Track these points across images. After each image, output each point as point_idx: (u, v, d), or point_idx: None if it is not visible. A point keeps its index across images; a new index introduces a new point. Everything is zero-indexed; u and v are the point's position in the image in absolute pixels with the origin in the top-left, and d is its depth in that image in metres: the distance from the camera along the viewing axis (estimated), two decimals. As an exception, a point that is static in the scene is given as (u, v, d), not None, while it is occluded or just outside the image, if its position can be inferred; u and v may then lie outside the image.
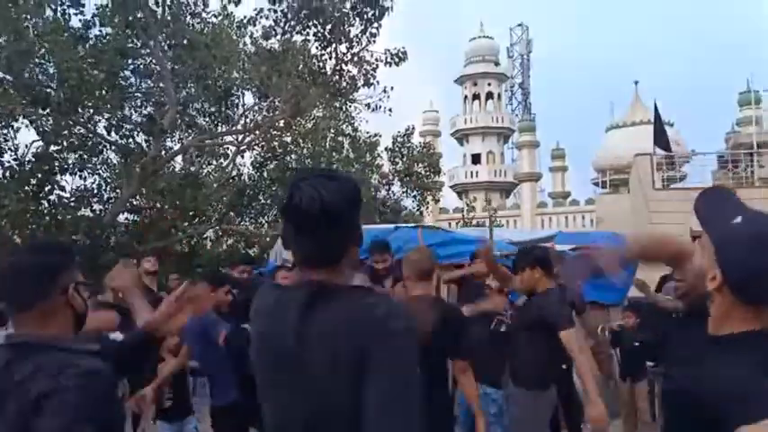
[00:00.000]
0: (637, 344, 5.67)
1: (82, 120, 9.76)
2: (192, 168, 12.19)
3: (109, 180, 11.41)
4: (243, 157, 13.05)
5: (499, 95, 43.66)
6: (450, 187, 40.47)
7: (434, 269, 3.36)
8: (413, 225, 8.56)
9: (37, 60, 9.16)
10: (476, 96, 43.03)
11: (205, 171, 13.53)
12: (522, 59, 48.60)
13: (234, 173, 13.73)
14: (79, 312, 1.56)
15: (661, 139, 14.81)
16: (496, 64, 43.49)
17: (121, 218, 10.90)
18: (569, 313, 3.66)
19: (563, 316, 3.53)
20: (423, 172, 17.45)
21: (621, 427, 5.92)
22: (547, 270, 3.76)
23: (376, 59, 11.59)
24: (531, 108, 48.05)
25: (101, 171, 11.37)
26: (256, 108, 12.61)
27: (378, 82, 11.67)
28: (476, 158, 42.34)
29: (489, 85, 42.90)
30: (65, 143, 9.21)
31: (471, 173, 41.52)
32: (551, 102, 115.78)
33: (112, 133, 10.20)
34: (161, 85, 11.21)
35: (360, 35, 11.27)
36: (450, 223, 32.77)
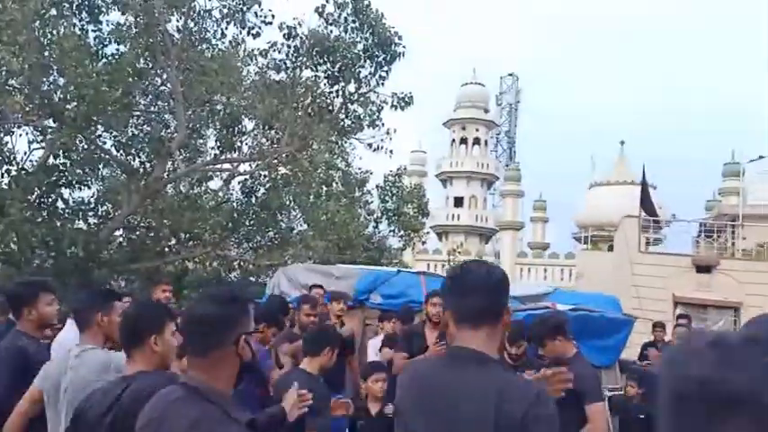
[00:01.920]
0: (642, 416, 5.67)
1: (92, 136, 9.79)
2: (193, 191, 12.20)
3: (106, 195, 11.37)
4: (239, 184, 13.10)
5: (486, 142, 44.51)
6: (431, 227, 40.79)
7: None
8: (415, 271, 8.67)
9: (53, 74, 9.20)
10: (463, 140, 43.79)
11: (197, 193, 13.53)
12: (511, 108, 49.80)
13: (225, 197, 13.76)
14: (245, 360, 1.64)
15: (647, 202, 15.27)
16: (485, 111, 44.46)
17: (117, 234, 10.83)
18: (599, 385, 3.60)
19: (596, 387, 3.46)
20: (411, 213, 17.62)
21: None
22: (568, 336, 3.86)
23: (382, 102, 11.88)
24: (516, 156, 49.02)
25: (99, 186, 11.33)
26: (259, 136, 12.74)
27: (383, 123, 11.95)
28: (458, 201, 42.86)
29: (477, 130, 43.76)
30: (73, 157, 9.20)
31: (453, 215, 41.95)
32: (536, 153, 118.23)
33: (120, 151, 10.22)
34: (170, 104, 11.30)
35: (369, 76, 11.57)
36: (428, 264, 32.95)
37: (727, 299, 13.93)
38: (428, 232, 20.08)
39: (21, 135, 9.73)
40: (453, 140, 43.92)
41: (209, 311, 1.62)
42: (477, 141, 43.85)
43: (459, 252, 22.26)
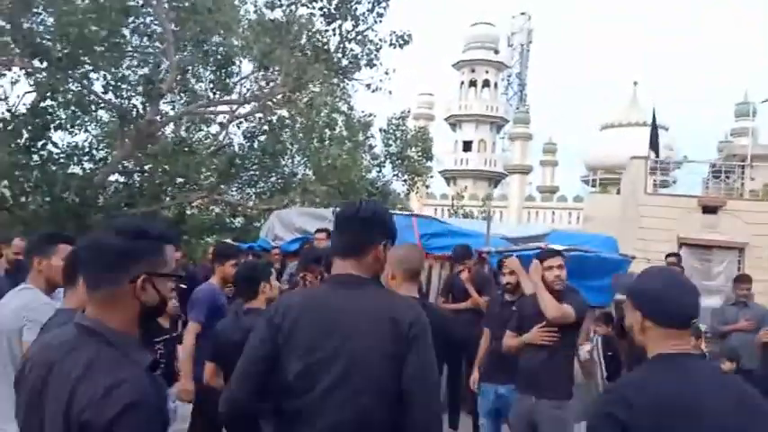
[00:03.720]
0: (610, 353, 5.74)
1: (78, 76, 9.55)
2: (185, 135, 12.02)
3: (101, 139, 11.23)
4: (239, 127, 12.89)
5: (496, 84, 43.58)
6: (439, 173, 40.49)
7: (422, 269, 3.35)
8: (407, 213, 8.54)
9: (37, 11, 8.90)
10: (472, 83, 42.89)
11: (195, 138, 13.33)
12: (522, 49, 48.51)
13: (225, 142, 13.57)
14: (148, 305, 1.49)
15: (656, 144, 14.92)
16: (496, 52, 43.32)
17: (112, 179, 10.74)
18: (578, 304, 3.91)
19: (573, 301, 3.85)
20: (415, 156, 17.38)
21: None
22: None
23: (380, 40, 11.48)
24: (527, 99, 48.07)
25: (92, 129, 11.18)
26: (254, 78, 12.43)
27: (381, 63, 11.58)
28: (467, 146, 42.36)
29: (487, 72, 42.77)
30: (60, 99, 9.00)
31: (462, 160, 41.54)
32: (547, 95, 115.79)
33: (109, 93, 10.00)
34: (160, 45, 10.99)
35: (366, 14, 11.14)
36: (436, 210, 32.86)
37: (732, 239, 13.75)
38: (432, 176, 19.84)
39: (13, 79, 9.50)
40: (462, 83, 43.01)
41: (106, 242, 1.47)
42: (486, 84, 42.92)
43: (464, 196, 22.14)
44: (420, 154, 17.42)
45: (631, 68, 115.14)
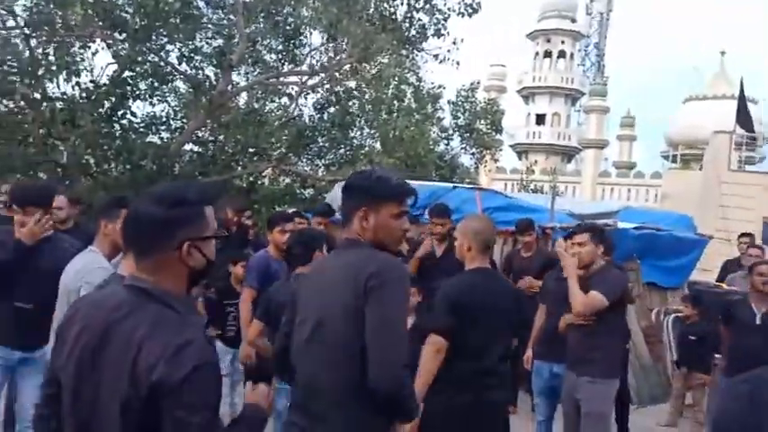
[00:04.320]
0: (693, 338, 5.44)
1: (155, 47, 9.90)
2: (256, 105, 12.26)
3: (177, 109, 11.63)
4: (305, 98, 13.03)
5: (572, 55, 41.93)
6: (510, 146, 39.62)
7: (494, 241, 3.31)
8: (471, 186, 8.42)
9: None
10: (547, 54, 41.43)
11: (267, 108, 13.58)
12: (601, 18, 46.30)
13: (295, 113, 13.75)
14: (196, 269, 1.52)
15: (744, 117, 13.99)
16: (573, 21, 41.55)
17: (186, 148, 11.15)
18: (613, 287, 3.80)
19: (607, 285, 3.72)
20: (484, 129, 17.04)
21: (668, 412, 5.82)
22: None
23: (449, 9, 11.23)
24: (605, 71, 46.01)
25: (170, 100, 11.57)
26: (323, 49, 12.48)
27: (448, 33, 11.35)
28: (540, 119, 41.18)
29: (563, 42, 41.17)
30: (138, 69, 9.38)
31: (534, 133, 40.45)
32: (627, 66, 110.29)
33: (183, 64, 10.33)
34: (232, 18, 11.19)
35: (435, -19, 10.91)
36: (506, 184, 32.22)
37: (823, 220, 12.80)
38: (502, 150, 19.42)
39: (94, 50, 9.94)
40: (537, 53, 41.60)
41: (146, 211, 1.50)
42: (562, 54, 41.34)
43: (534, 170, 21.57)
44: (489, 127, 17.07)
45: (719, 37, 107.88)
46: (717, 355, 5.13)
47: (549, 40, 41.03)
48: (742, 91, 14.81)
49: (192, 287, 1.57)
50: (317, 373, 1.95)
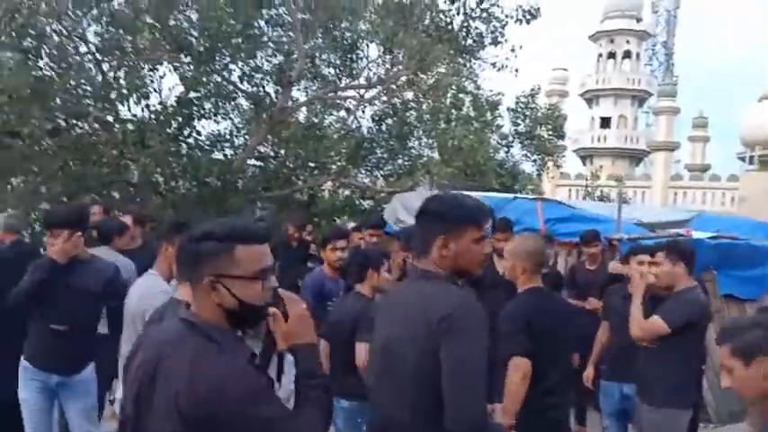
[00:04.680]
0: None
1: (218, 68, 10.23)
2: (315, 120, 12.46)
3: (240, 126, 11.96)
4: (363, 111, 13.14)
5: (638, 55, 40.54)
6: (574, 151, 38.64)
7: (548, 259, 3.26)
8: (531, 197, 8.22)
9: (180, 8, 9.63)
10: (611, 55, 40.23)
11: (326, 122, 13.78)
12: (669, 15, 44.65)
13: (354, 125, 13.88)
14: (226, 307, 1.49)
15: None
16: (638, 20, 40.18)
17: (249, 164, 11.43)
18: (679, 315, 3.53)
19: (673, 313, 3.46)
20: (546, 135, 16.67)
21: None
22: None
23: (506, 16, 11.07)
24: (674, 70, 44.23)
25: (233, 117, 11.91)
26: (380, 62, 12.55)
27: (506, 40, 11.17)
28: (605, 122, 39.97)
29: (628, 42, 39.88)
30: (203, 90, 9.71)
31: (599, 137, 39.28)
32: (697, 64, 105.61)
33: (245, 83, 10.62)
34: (290, 35, 11.43)
35: (491, -11, 10.78)
36: (570, 190, 31.40)
37: None
38: (565, 156, 18.90)
39: (162, 74, 10.37)
40: (600, 55, 40.43)
41: (184, 243, 1.55)
42: (627, 55, 40.01)
43: (599, 176, 20.89)
44: (551, 133, 16.68)
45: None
46: None
47: (612, 41, 39.82)
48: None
49: (237, 326, 1.54)
50: (393, 404, 1.93)
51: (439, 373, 1.82)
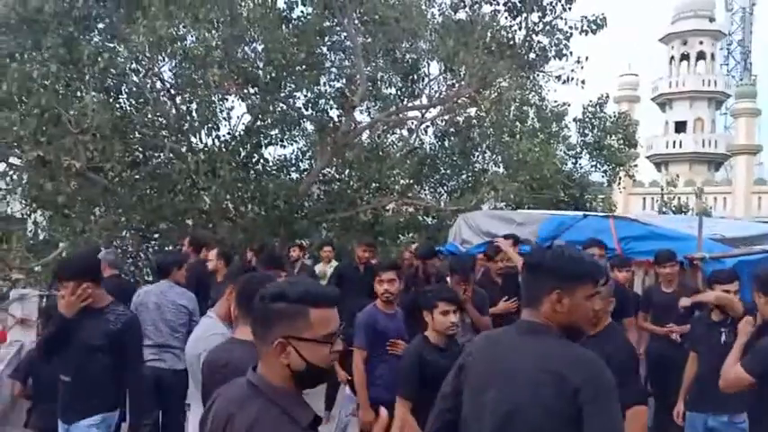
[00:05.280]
0: None
1: (283, 96, 10.53)
2: (379, 141, 12.56)
3: (304, 150, 12.22)
4: (426, 131, 13.16)
5: (713, 55, 38.69)
6: (647, 158, 37.14)
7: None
8: (604, 215, 7.92)
9: (247, 41, 9.99)
10: (684, 57, 38.59)
11: (389, 141, 13.86)
12: (744, 13, 42.44)
13: (416, 144, 13.90)
14: (294, 369, 1.50)
15: None
16: (711, 20, 38.40)
17: (314, 188, 11.64)
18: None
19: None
20: (616, 145, 16.12)
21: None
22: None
23: (570, 27, 10.82)
24: (752, 69, 41.90)
25: (298, 140, 12.18)
26: (441, 79, 12.54)
27: (571, 53, 10.91)
28: (680, 126, 38.25)
29: (701, 43, 38.14)
30: (269, 118, 10.02)
31: (674, 142, 37.62)
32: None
33: (309, 108, 10.87)
34: (352, 59, 11.62)
35: (554, 2, 10.57)
36: (644, 199, 30.24)
37: None
38: (636, 165, 18.20)
39: (231, 105, 10.76)
40: (672, 57, 38.86)
41: (257, 301, 1.56)
42: (701, 56, 38.27)
43: (676, 184, 20.00)
44: (622, 142, 16.14)
45: None
46: None
47: (685, 43, 38.21)
48: None
49: (301, 387, 1.55)
50: None
51: None
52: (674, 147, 37.52)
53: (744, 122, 35.54)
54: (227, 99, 9.83)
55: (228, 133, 10.03)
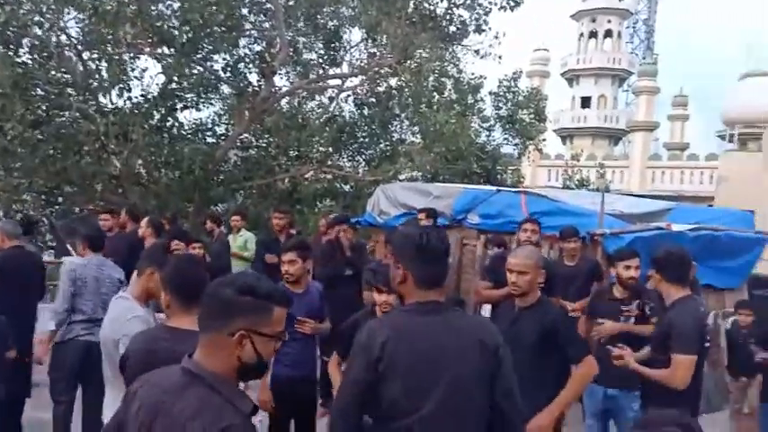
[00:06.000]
0: (752, 342, 5.24)
1: (201, 59, 10.13)
2: (299, 109, 12.39)
3: (221, 114, 11.87)
4: (347, 101, 13.11)
5: (619, 34, 40.54)
6: (554, 131, 38.75)
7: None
8: (516, 190, 8.28)
9: (163, 1, 9.50)
10: (593, 34, 40.21)
11: (308, 108, 13.68)
12: (651, -7, 44.62)
13: (336, 112, 13.82)
14: (245, 362, 1.54)
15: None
16: (620, -1, 40.17)
17: (231, 154, 11.38)
18: (692, 337, 3.28)
19: (685, 339, 3.25)
20: (527, 119, 16.74)
21: (728, 420, 5.65)
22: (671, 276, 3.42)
23: (490, 2, 11.07)
24: (655, 48, 44.38)
25: (215, 104, 11.79)
26: (362, 48, 12.48)
27: (490, 28, 11.17)
28: (585, 102, 40.06)
29: (609, 21, 39.85)
30: (185, 81, 9.63)
31: (579, 117, 39.42)
32: (679, 43, 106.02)
33: (227, 72, 10.53)
34: (273, 22, 11.33)
35: (475, -23, 10.77)
36: (550, 171, 31.62)
37: None
38: (545, 139, 18.98)
39: (144, 67, 10.24)
40: (581, 34, 40.40)
41: (217, 290, 1.56)
42: (608, 34, 40.02)
43: (579, 159, 21.09)
44: (533, 116, 16.77)
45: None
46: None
47: (594, 20, 39.79)
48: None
49: (242, 379, 1.60)
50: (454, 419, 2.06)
51: (488, 397, 2.09)
52: (579, 122, 39.32)
53: (644, 100, 37.77)
54: (139, 58, 9.36)
55: (141, 95, 9.56)
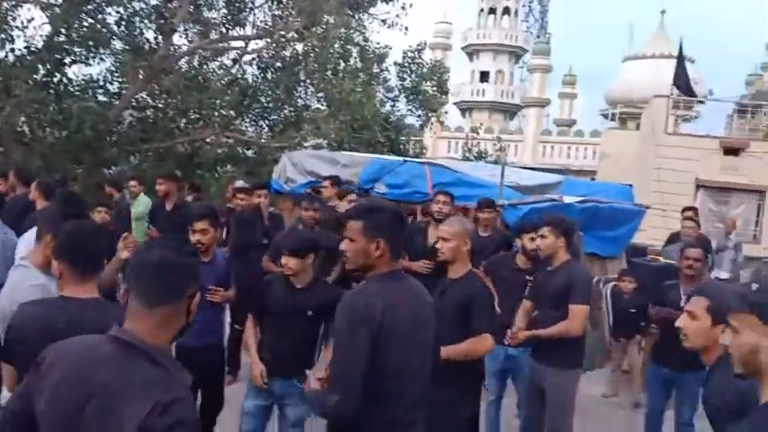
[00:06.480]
0: (633, 310, 5.76)
1: (91, 9, 9.38)
2: (201, 70, 11.84)
3: (113, 71, 11.10)
4: (251, 64, 12.68)
5: (516, 12, 41.97)
6: (455, 104, 39.76)
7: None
8: (420, 161, 8.47)
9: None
10: (492, 10, 41.34)
11: (210, 69, 13.12)
12: (545, -29, 46.34)
13: (238, 74, 13.36)
14: (188, 323, 1.55)
15: (681, 79, 14.43)
16: (518, -23, 41.46)
17: (126, 114, 10.74)
18: (588, 290, 3.81)
19: (582, 290, 3.72)
20: (431, 91, 17.03)
21: (608, 381, 6.21)
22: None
23: (397, -28, 11.04)
24: (548, 28, 46.37)
25: (106, 60, 11.01)
26: (267, 10, 12.09)
27: (398, -2, 11.17)
28: (484, 76, 41.33)
29: (507, -1, 41.13)
30: (74, 35, 8.89)
31: (478, 91, 40.66)
32: (570, 23, 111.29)
33: (121, 26, 9.84)
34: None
35: (383, -56, 10.69)
36: (450, 143, 32.51)
37: (753, 182, 13.59)
38: (446, 111, 19.44)
39: (28, 17, 9.34)
40: (482, 10, 41.45)
41: (175, 259, 1.50)
42: (507, 11, 41.33)
43: (479, 132, 21.82)
44: (436, 89, 17.08)
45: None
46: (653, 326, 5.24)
47: (494, -4, 40.90)
48: (681, 52, 15.07)
49: (171, 343, 1.57)
50: (423, 396, 2.31)
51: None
52: (477, 95, 40.59)
53: (538, 77, 39.60)
54: (22, 7, 8.50)
55: (25, 47, 8.73)
